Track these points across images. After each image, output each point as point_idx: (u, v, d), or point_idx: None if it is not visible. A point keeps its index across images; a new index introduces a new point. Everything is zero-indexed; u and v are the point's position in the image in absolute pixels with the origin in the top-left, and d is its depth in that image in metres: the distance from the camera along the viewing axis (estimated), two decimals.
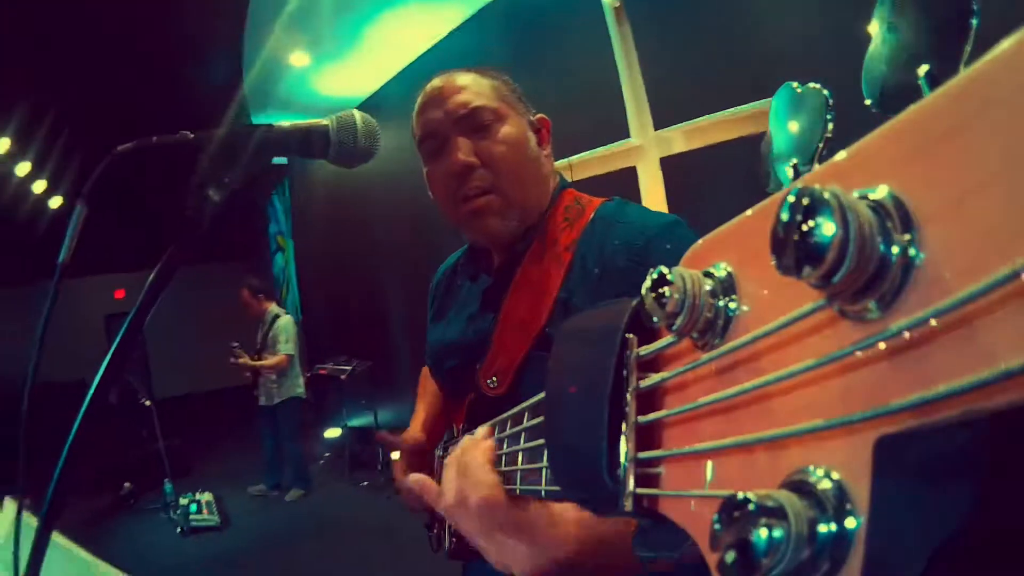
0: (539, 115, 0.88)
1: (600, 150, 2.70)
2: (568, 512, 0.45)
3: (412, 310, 5.40)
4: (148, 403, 4.78)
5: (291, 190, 7.98)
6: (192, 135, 0.59)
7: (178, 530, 4.33)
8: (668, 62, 2.78)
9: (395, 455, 0.98)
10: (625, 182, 2.71)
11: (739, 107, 2.17)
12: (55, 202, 7.92)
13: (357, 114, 0.67)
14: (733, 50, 2.72)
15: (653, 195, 2.32)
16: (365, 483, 5.06)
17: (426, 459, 0.97)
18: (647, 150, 2.35)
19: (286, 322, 4.71)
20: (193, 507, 4.49)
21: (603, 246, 0.76)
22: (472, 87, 0.81)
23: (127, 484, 5.24)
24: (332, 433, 6.05)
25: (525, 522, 0.44)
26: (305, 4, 4.02)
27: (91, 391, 0.58)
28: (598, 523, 0.44)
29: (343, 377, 5.31)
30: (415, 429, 1.00)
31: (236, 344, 4.64)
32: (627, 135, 2.59)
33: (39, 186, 7.39)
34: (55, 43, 4.54)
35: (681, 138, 2.28)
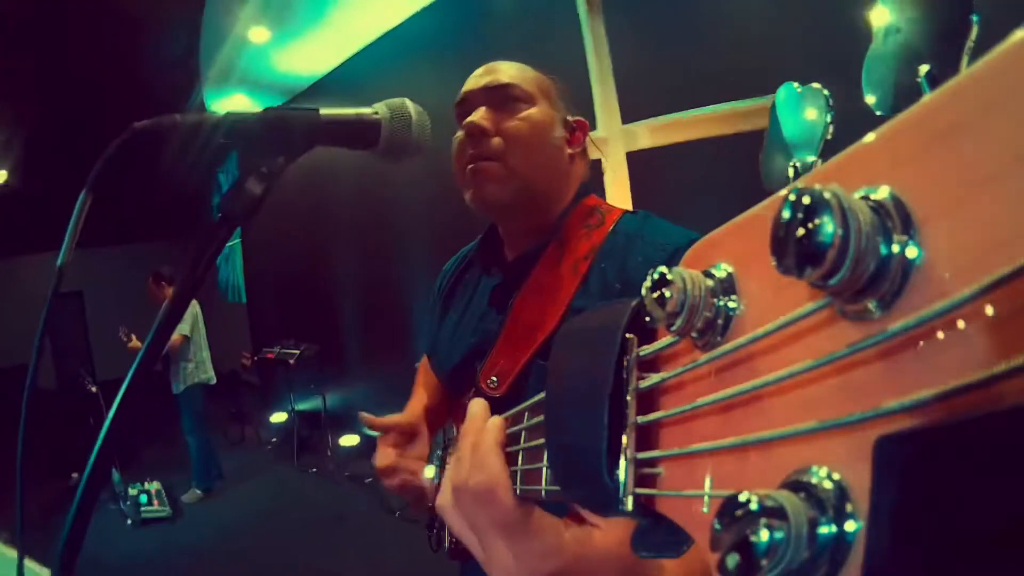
0: (579, 118, 0.88)
1: None
2: (564, 526, 0.42)
3: (362, 293, 5.33)
4: (95, 388, 4.62)
5: (238, 168, 7.69)
6: (221, 115, 0.53)
7: (128, 522, 4.23)
8: (640, 56, 2.76)
9: (379, 435, 0.96)
10: (590, 175, 2.67)
11: (709, 107, 2.15)
12: (0, 176, 7.66)
13: (410, 104, 0.62)
14: (706, 50, 2.72)
15: (617, 188, 2.30)
16: (314, 469, 4.98)
17: (418, 444, 0.96)
18: (612, 143, 2.33)
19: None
20: (143, 498, 4.39)
21: (625, 261, 0.75)
22: (512, 71, 0.84)
23: (74, 475, 5.04)
24: (279, 418, 5.94)
25: (519, 523, 0.40)
26: None
27: (126, 382, 0.56)
28: (593, 541, 0.41)
29: (291, 362, 5.19)
30: (412, 411, 0.99)
31: (124, 328, 4.49)
32: (593, 127, 2.51)
33: None
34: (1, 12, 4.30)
35: (647, 134, 2.26)
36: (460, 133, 0.84)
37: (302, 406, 5.60)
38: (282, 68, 5.41)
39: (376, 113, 0.60)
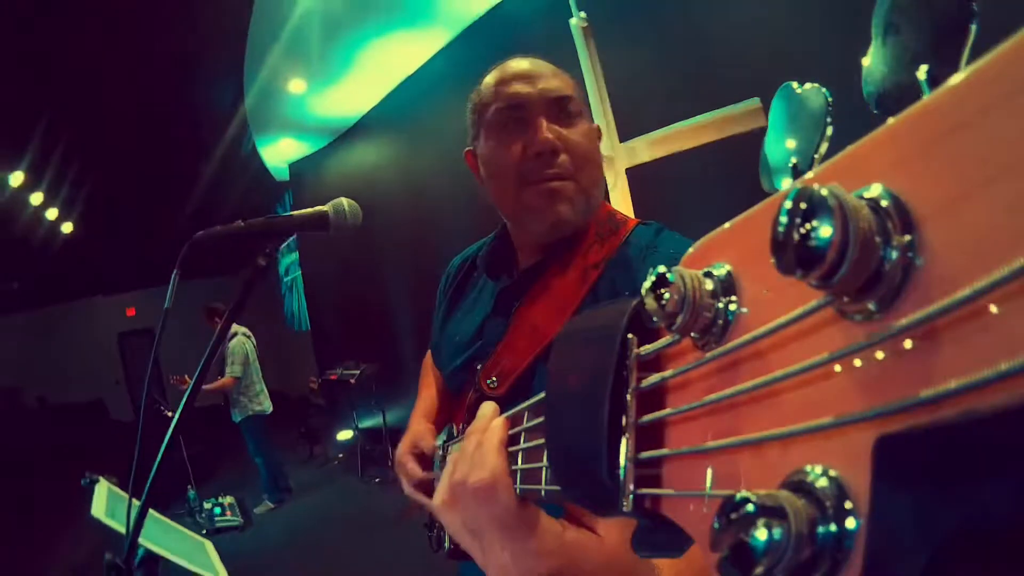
0: (596, 123, 0.87)
1: None
2: (563, 528, 0.42)
3: (414, 311, 5.67)
4: (169, 414, 4.92)
5: (292, 204, 8.32)
6: (243, 223, 0.92)
7: (203, 532, 4.45)
8: (631, 77, 2.96)
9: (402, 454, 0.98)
10: None
11: (698, 117, 2.28)
12: (67, 227, 8.44)
13: (345, 201, 0.98)
14: (691, 65, 2.93)
15: (621, 203, 2.41)
16: (377, 480, 5.36)
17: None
18: (614, 160, 2.44)
19: (236, 343, 4.85)
20: (217, 510, 4.70)
21: (638, 272, 0.74)
22: (562, 76, 0.82)
23: None
24: (344, 435, 6.35)
25: (518, 521, 0.40)
26: (299, 35, 4.41)
27: (178, 412, 0.92)
28: (591, 544, 0.41)
29: (352, 381, 5.56)
30: (417, 425, 0.98)
31: (175, 376, 4.82)
32: None
33: (52, 213, 7.84)
34: (61, 76, 4.82)
35: (645, 148, 2.38)
36: (509, 141, 0.80)
37: (365, 423, 5.98)
38: (321, 113, 6.00)
39: (326, 210, 0.97)
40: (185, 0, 4.10)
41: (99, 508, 1.70)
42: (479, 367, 0.81)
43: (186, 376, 4.76)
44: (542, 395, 0.38)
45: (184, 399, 0.95)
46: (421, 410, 1.01)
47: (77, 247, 8.67)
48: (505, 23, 4.09)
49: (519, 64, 0.83)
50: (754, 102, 2.14)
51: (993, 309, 0.14)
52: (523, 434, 0.44)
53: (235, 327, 4.89)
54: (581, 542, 0.40)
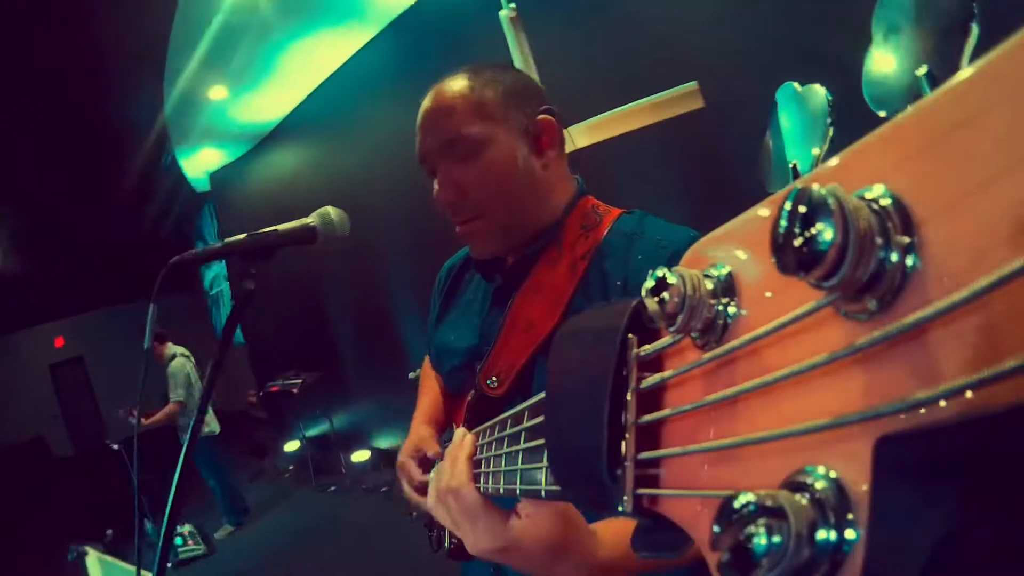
0: (542, 116, 0.82)
1: None
2: (507, 517, 0.53)
3: (353, 316, 5.57)
4: (116, 447, 4.77)
5: (215, 213, 8.11)
6: (223, 243, 0.86)
7: (168, 565, 4.34)
8: (564, 65, 2.97)
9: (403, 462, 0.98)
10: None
11: (636, 102, 2.30)
12: None
13: (332, 210, 0.92)
14: (622, 51, 2.93)
15: None
16: (332, 488, 5.25)
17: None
18: None
19: (176, 366, 4.70)
20: (178, 540, 4.55)
21: (626, 260, 0.75)
22: (456, 109, 0.79)
23: (109, 531, 5.22)
24: (292, 446, 6.23)
25: (477, 512, 0.53)
26: (220, 42, 4.27)
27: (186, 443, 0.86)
28: (525, 528, 0.52)
29: (295, 391, 5.45)
30: (419, 430, 0.99)
31: (126, 407, 4.75)
32: None
33: None
34: None
35: (583, 134, 2.40)
36: (436, 189, 0.82)
37: (311, 431, 5.89)
38: (243, 119, 5.79)
39: (312, 222, 0.90)
40: (106, 6, 3.89)
41: None
42: (478, 367, 0.81)
43: (132, 409, 4.59)
44: (542, 395, 0.38)
45: (135, 432, 0.99)
46: (422, 415, 1.00)
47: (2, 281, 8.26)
48: (432, 16, 3.99)
49: (425, 102, 0.83)
50: (691, 85, 2.15)
51: (993, 309, 0.14)
52: (523, 434, 0.44)
53: (172, 348, 4.76)
54: (520, 527, 0.52)
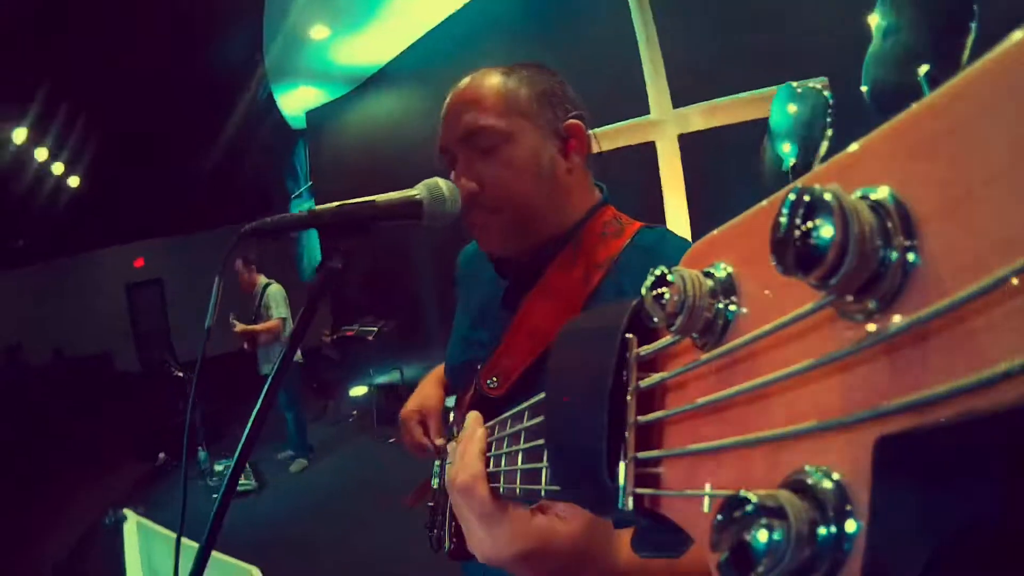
0: (571, 120, 0.81)
1: (620, 124, 2.76)
2: (531, 516, 0.48)
3: (436, 268, 5.40)
4: (180, 374, 4.89)
5: (308, 152, 8.01)
6: (307, 214, 0.70)
7: (215, 496, 4.31)
8: (687, 42, 2.89)
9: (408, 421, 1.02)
10: (644, 157, 2.84)
11: (755, 90, 2.26)
12: (73, 182, 8.37)
13: (442, 183, 0.75)
14: (749, 34, 2.84)
15: (670, 169, 2.42)
16: (392, 439, 5.12)
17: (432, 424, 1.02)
18: (666, 126, 2.45)
19: (275, 289, 4.75)
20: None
21: (644, 273, 0.74)
22: (485, 100, 0.79)
23: (161, 455, 5.37)
24: (358, 391, 6.09)
25: (493, 512, 0.47)
26: None
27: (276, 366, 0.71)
28: (555, 528, 0.47)
29: (370, 338, 5.36)
30: (427, 388, 1.05)
31: (233, 314, 4.69)
32: (647, 111, 2.69)
33: (57, 168, 7.79)
34: (68, 28, 4.62)
35: (699, 116, 2.38)
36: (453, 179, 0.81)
37: (381, 379, 5.75)
38: (342, 61, 5.70)
39: (418, 194, 0.73)
40: None
41: (133, 557, 1.47)
42: (479, 367, 0.81)
43: (238, 321, 4.62)
44: (542, 395, 0.38)
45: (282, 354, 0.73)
46: (435, 373, 1.05)
47: (83, 200, 8.52)
48: None
49: (452, 93, 0.83)
50: (821, 80, 2.15)
51: (994, 309, 0.14)
52: (523, 434, 0.44)
53: (264, 279, 4.80)
54: (547, 527, 0.46)
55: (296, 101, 7.02)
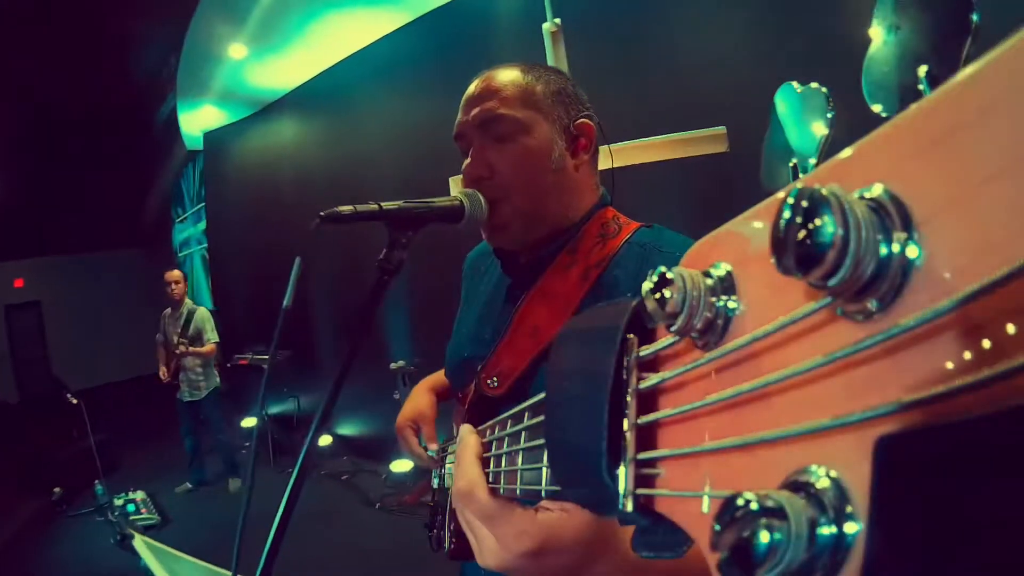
0: (582, 120, 0.84)
1: None
2: (536, 512, 0.47)
3: (337, 302, 5.43)
4: (75, 401, 4.55)
5: (203, 175, 7.83)
6: (378, 206, 0.77)
7: (118, 535, 4.16)
8: (598, 87, 3.06)
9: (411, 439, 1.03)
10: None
11: (665, 135, 2.38)
12: None
13: (480, 195, 0.82)
14: (656, 83, 3.04)
15: None
16: (290, 469, 4.95)
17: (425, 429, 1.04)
18: None
19: (204, 313, 4.70)
20: (130, 507, 4.34)
21: (639, 273, 0.75)
22: (504, 91, 0.81)
23: (57, 489, 4.96)
24: (248, 422, 6.01)
25: (496, 512, 0.47)
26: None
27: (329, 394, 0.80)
28: (560, 522, 0.46)
29: (264, 366, 5.31)
30: (420, 397, 1.04)
31: (178, 336, 4.64)
32: None
33: None
34: None
35: (605, 156, 2.46)
36: (466, 162, 0.84)
37: (274, 410, 5.75)
38: (254, 82, 5.66)
39: (460, 201, 0.80)
40: None
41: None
42: (480, 367, 0.81)
43: (180, 340, 4.57)
44: (542, 395, 0.38)
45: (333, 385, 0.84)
46: (428, 379, 1.06)
47: None
48: (471, 14, 3.94)
49: (473, 83, 0.85)
50: (720, 129, 2.24)
51: (994, 309, 0.14)
52: (523, 434, 0.44)
53: (189, 301, 4.74)
54: (552, 522, 0.45)
55: (197, 121, 6.83)
